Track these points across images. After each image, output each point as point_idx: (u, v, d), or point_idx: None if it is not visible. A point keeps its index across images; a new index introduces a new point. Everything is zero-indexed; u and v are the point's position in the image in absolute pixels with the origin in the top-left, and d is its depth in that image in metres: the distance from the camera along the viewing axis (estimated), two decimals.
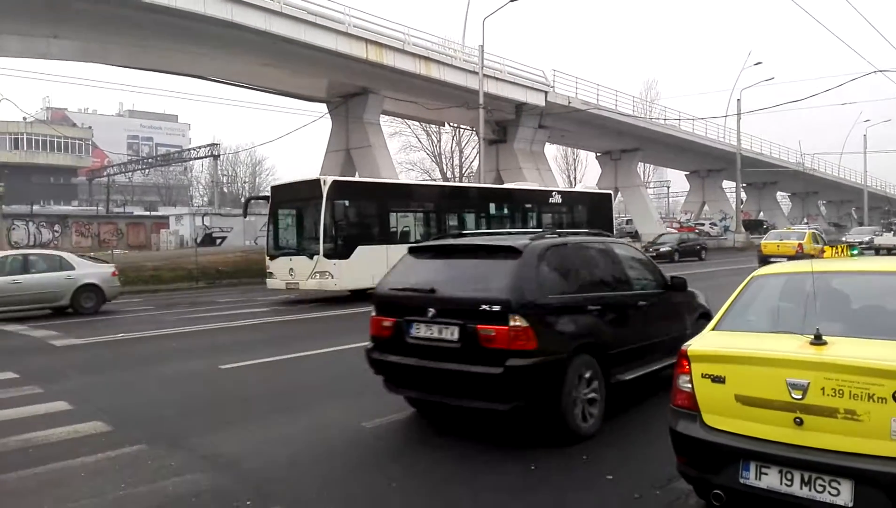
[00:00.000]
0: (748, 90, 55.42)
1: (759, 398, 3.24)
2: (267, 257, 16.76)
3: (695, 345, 3.62)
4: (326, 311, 14.33)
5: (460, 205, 19.48)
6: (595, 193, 25.01)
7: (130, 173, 65.84)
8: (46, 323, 12.57)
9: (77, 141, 71.87)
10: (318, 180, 15.55)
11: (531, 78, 36.86)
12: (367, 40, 28.74)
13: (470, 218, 19.49)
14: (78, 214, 48.24)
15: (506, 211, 20.90)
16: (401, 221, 17.75)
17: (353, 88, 32.71)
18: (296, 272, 15.60)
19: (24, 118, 63.22)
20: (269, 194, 17.84)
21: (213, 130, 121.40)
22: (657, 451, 4.44)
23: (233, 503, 4.10)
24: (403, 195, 18.75)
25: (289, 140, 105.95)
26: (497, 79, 34.42)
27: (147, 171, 68.46)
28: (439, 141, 57.82)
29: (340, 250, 15.31)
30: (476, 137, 36.76)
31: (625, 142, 47.13)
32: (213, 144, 57.35)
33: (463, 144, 56.91)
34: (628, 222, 51.45)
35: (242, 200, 68.94)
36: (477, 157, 42.42)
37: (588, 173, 69.02)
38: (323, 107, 35.71)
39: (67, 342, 10.48)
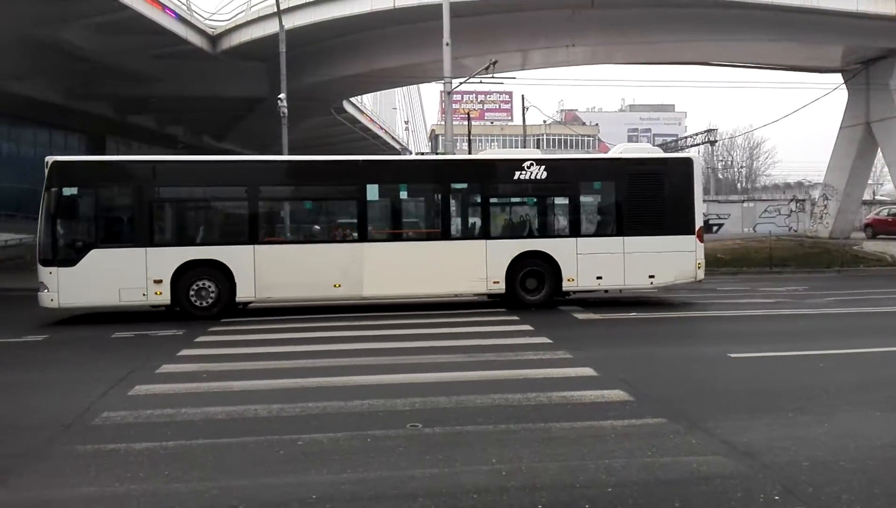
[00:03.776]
0: None
1: None
2: None
3: None
4: (852, 307, 12.76)
5: (290, 190, 13.09)
6: (647, 159, 13.65)
7: None
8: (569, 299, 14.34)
9: (586, 137, 79.87)
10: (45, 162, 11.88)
11: None
12: None
13: (317, 210, 13.23)
14: None
15: (406, 197, 13.27)
16: (174, 214, 12.68)
17: (875, 51, 28.03)
18: None
19: (544, 121, 73.26)
20: None
21: (708, 115, 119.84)
22: None
23: (759, 494, 4.04)
24: (181, 178, 12.69)
25: (793, 119, 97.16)
26: None
27: None
28: None
29: (63, 255, 11.56)
30: None
31: None
32: (709, 130, 56.71)
33: None
34: None
35: (740, 186, 65.87)
36: None
37: None
38: (834, 78, 31.64)
39: (587, 316, 11.86)
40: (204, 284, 11.92)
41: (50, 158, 11.86)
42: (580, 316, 11.81)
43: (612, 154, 14.37)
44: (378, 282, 12.34)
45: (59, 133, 33.48)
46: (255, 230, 12.28)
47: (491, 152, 13.89)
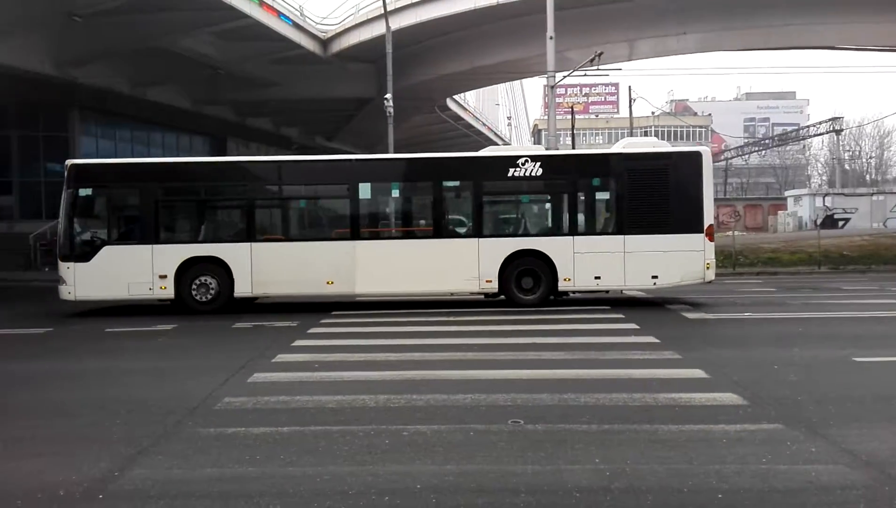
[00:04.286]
0: None
1: None
2: None
3: None
4: None
5: (285, 189, 13.33)
6: (649, 154, 12.89)
7: (747, 156, 66.53)
8: (679, 298, 13.87)
9: (697, 128, 76.73)
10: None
11: None
12: None
13: (311, 208, 13.78)
14: None
15: (398, 195, 13.22)
16: (177, 213, 13.55)
17: None
18: None
19: (653, 112, 70.99)
20: None
21: (833, 103, 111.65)
22: None
23: (883, 507, 3.78)
24: (183, 178, 13.39)
25: None
26: None
27: (763, 152, 67.96)
28: None
29: (79, 251, 12.54)
30: None
31: None
32: (833, 119, 52.97)
33: None
34: None
35: (868, 177, 61.26)
36: None
37: None
38: None
39: (697, 315, 11.41)
40: (205, 279, 12.55)
41: (69, 161, 12.86)
42: (690, 316, 11.39)
43: (613, 149, 13.90)
44: (370, 279, 12.53)
45: (186, 136, 35.93)
46: (251, 228, 12.82)
47: (491, 149, 13.67)
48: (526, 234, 13.03)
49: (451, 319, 11.24)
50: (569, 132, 41.43)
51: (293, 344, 9.10)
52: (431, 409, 5.89)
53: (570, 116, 42.24)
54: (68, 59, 23.49)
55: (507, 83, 71.26)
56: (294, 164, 14.59)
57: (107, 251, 12.53)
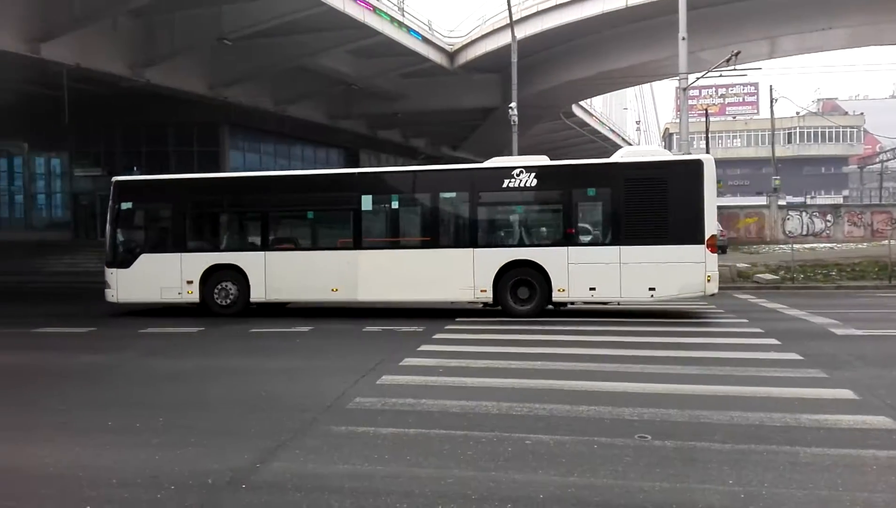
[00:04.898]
0: None
1: None
2: None
3: None
4: None
5: (295, 201, 13.95)
6: (645, 163, 12.46)
7: None
8: (827, 312, 12.85)
9: (848, 129, 70.87)
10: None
11: None
12: None
13: (318, 219, 14.12)
14: (849, 203, 48.36)
15: (398, 207, 13.37)
16: (202, 224, 14.47)
17: None
18: None
19: (797, 113, 66.37)
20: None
21: None
22: None
23: None
24: (206, 192, 14.43)
25: None
26: None
27: None
28: None
29: (121, 258, 13.83)
30: None
31: None
32: None
33: None
34: None
35: None
36: None
37: None
38: None
39: (847, 331, 10.51)
40: (225, 285, 13.50)
41: (115, 177, 14.28)
42: (838, 331, 10.52)
43: (612, 159, 13.29)
44: (371, 287, 12.97)
45: (322, 149, 37.96)
46: (265, 238, 13.72)
47: (491, 161, 13.47)
48: (521, 244, 12.99)
49: (572, 328, 11.10)
50: (703, 136, 39.62)
51: (419, 349, 9.35)
52: (554, 419, 5.86)
53: (703, 119, 40.37)
54: (219, 80, 25.56)
55: (635, 87, 69.23)
56: (302, 178, 15.49)
57: (144, 259, 13.76)
